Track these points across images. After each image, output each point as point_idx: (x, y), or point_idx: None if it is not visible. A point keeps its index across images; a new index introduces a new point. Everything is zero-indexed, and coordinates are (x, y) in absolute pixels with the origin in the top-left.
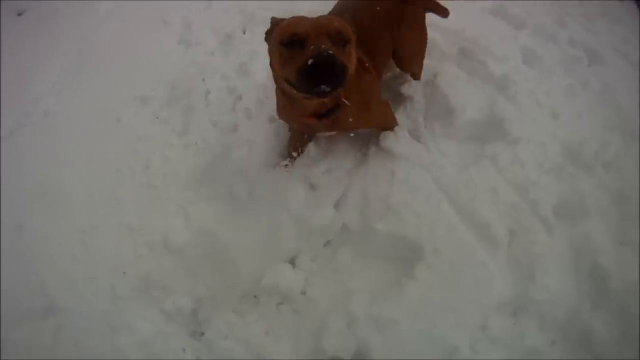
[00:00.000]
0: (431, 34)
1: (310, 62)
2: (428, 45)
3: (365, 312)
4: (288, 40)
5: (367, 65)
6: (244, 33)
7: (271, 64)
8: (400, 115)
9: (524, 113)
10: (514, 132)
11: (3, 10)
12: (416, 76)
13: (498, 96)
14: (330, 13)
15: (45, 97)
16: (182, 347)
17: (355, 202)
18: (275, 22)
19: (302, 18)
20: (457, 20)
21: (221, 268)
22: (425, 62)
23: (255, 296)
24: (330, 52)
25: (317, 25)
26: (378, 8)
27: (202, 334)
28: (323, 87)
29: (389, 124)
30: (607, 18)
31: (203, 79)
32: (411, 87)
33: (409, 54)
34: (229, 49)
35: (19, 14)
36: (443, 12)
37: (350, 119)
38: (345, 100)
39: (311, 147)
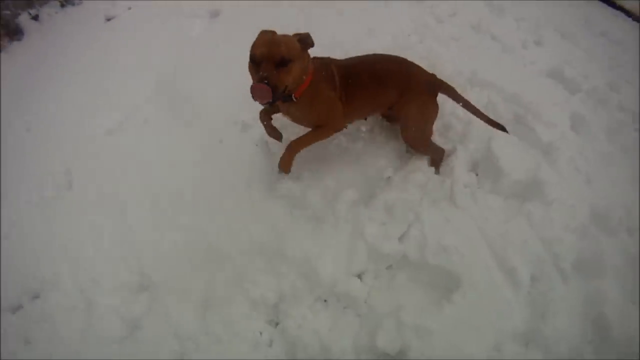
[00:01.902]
0: (491, 96)
1: (253, 86)
2: (486, 105)
3: (410, 321)
4: (251, 58)
5: (336, 87)
6: None
7: None
8: (460, 171)
9: (562, 178)
10: (550, 195)
11: (92, 15)
12: (424, 155)
13: (542, 161)
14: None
15: (145, 106)
16: (259, 331)
17: (416, 238)
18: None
19: (263, 39)
20: (515, 82)
21: (305, 273)
22: (482, 123)
23: (325, 300)
24: (272, 85)
25: (269, 53)
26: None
27: (278, 323)
28: (260, 100)
29: (326, 131)
30: None
31: None
32: (469, 149)
33: (404, 122)
34: None
35: (108, 20)
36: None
37: (297, 113)
38: (295, 98)
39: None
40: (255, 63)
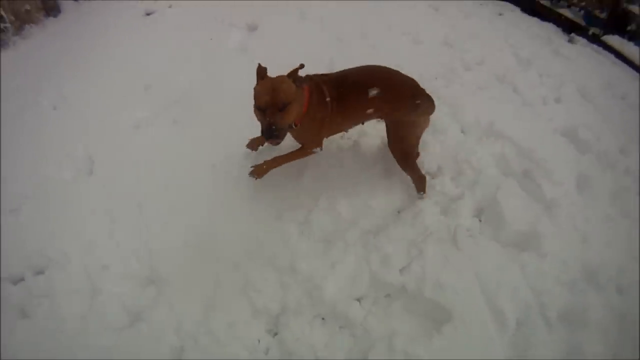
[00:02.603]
0: (505, 148)
1: (263, 131)
2: (498, 157)
3: (401, 348)
4: (256, 106)
5: (326, 105)
6: None
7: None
8: (465, 215)
9: (559, 233)
10: (546, 248)
11: (131, 7)
12: (410, 175)
13: (543, 215)
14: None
15: (174, 106)
16: (258, 338)
17: (416, 272)
18: (260, 71)
19: (265, 88)
20: (530, 137)
21: (310, 290)
22: (492, 173)
23: (323, 318)
24: (273, 127)
25: (272, 101)
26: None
27: (276, 333)
28: (270, 140)
29: (305, 145)
30: None
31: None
32: (476, 195)
33: (392, 131)
34: None
35: (147, 14)
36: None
37: (295, 134)
38: (295, 125)
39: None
40: (261, 110)
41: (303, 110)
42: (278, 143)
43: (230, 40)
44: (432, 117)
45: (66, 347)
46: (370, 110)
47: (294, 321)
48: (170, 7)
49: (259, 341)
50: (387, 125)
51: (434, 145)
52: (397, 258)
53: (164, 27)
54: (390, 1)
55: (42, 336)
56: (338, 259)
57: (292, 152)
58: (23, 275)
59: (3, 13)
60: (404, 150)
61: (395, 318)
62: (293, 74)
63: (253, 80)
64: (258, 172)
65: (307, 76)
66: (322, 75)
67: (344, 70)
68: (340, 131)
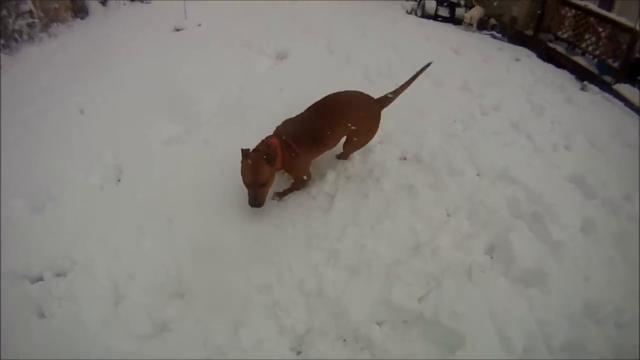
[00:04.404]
0: (516, 192)
1: (250, 201)
2: (510, 200)
3: None
4: (244, 183)
5: (297, 153)
6: None
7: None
8: (478, 252)
9: (563, 272)
10: (551, 285)
11: (160, 20)
12: (344, 158)
13: (549, 256)
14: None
15: (205, 126)
16: (283, 355)
17: (433, 301)
18: (243, 153)
19: (246, 169)
20: (539, 182)
21: (336, 312)
22: (504, 214)
23: (344, 340)
24: (256, 202)
25: (253, 181)
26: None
27: (300, 352)
28: (254, 207)
29: (297, 179)
30: None
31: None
32: (489, 235)
33: (355, 140)
34: None
35: (177, 30)
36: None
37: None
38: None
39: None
40: (246, 185)
41: (280, 165)
42: (260, 206)
43: (259, 66)
44: (452, 159)
45: (85, 350)
46: (336, 135)
47: (318, 341)
48: (199, 25)
49: (283, 358)
50: (351, 137)
51: (452, 186)
52: (416, 288)
53: (192, 45)
54: (414, 42)
55: (60, 337)
56: (362, 287)
57: (293, 184)
58: (42, 275)
59: (33, 8)
60: (357, 149)
61: (413, 342)
62: (268, 156)
63: (281, 108)
64: (279, 196)
65: (277, 131)
66: (288, 125)
67: (307, 111)
68: (322, 153)
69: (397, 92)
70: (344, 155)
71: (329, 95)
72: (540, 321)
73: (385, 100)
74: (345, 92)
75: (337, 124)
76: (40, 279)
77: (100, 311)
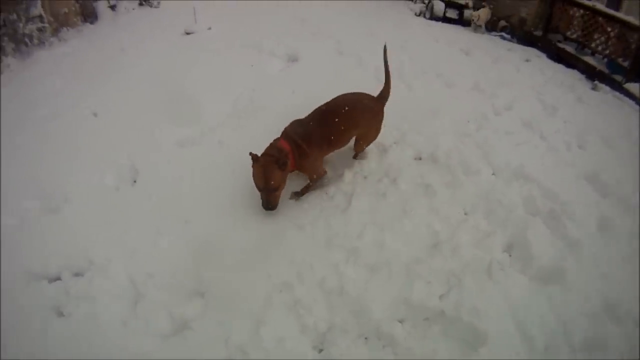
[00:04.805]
0: (532, 190)
1: (263, 205)
2: (526, 198)
3: None
4: (257, 187)
5: (307, 153)
6: None
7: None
8: (496, 250)
9: (582, 270)
10: (569, 282)
11: (170, 24)
12: (355, 157)
13: (567, 253)
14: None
15: (219, 128)
16: (305, 353)
17: (454, 298)
18: (253, 158)
19: (258, 174)
20: (554, 180)
21: (358, 310)
22: (521, 212)
23: (366, 338)
24: (269, 205)
25: (265, 186)
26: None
27: (321, 350)
28: (268, 210)
29: (312, 178)
30: None
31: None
32: (507, 233)
33: (364, 139)
34: None
35: (187, 33)
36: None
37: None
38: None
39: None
40: (259, 189)
41: (292, 166)
42: (274, 209)
43: (270, 68)
44: (467, 159)
45: (103, 349)
46: (347, 135)
47: (340, 339)
48: (209, 29)
49: (305, 356)
50: (358, 136)
51: (468, 185)
52: (437, 286)
53: (203, 49)
54: (424, 43)
55: (78, 337)
56: (382, 285)
57: (308, 185)
58: (60, 275)
59: (43, 13)
60: (367, 146)
61: (434, 340)
62: (279, 161)
63: (294, 109)
64: (296, 196)
65: (286, 132)
66: (297, 125)
67: (316, 112)
68: (332, 152)
69: (387, 85)
70: (358, 155)
71: (337, 97)
72: (561, 319)
73: (384, 97)
74: (352, 93)
75: (348, 125)
76: (58, 278)
77: (118, 310)
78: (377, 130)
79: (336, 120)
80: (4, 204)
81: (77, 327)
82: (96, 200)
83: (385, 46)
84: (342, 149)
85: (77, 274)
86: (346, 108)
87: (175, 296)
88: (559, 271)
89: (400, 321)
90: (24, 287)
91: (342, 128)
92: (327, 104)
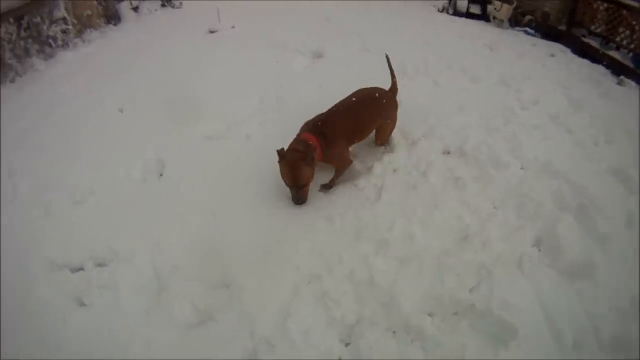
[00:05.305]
0: (560, 185)
1: (293, 200)
2: (555, 192)
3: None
4: (285, 183)
5: (334, 142)
6: None
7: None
8: (526, 244)
9: (611, 265)
10: (599, 277)
11: (193, 23)
12: (381, 145)
13: (597, 248)
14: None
15: (247, 122)
16: (331, 346)
17: (485, 291)
18: (280, 155)
19: (286, 171)
20: (582, 175)
21: (387, 302)
22: (550, 206)
23: (394, 332)
24: (300, 200)
25: (294, 182)
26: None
27: (348, 344)
28: (298, 205)
29: (339, 168)
30: None
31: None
32: (536, 227)
33: (384, 129)
34: None
35: (211, 32)
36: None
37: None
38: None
39: None
40: (288, 186)
41: (319, 157)
42: (303, 203)
43: (296, 64)
44: (495, 153)
45: (125, 339)
46: (371, 127)
47: (369, 331)
48: (233, 27)
49: (332, 349)
50: (379, 129)
51: (498, 179)
52: (467, 278)
53: (228, 46)
54: (448, 39)
55: (100, 326)
56: (413, 277)
57: (336, 174)
58: (83, 265)
59: (66, 15)
60: (389, 136)
61: (463, 334)
62: (306, 157)
63: (320, 104)
64: (325, 188)
65: (313, 125)
66: (322, 118)
67: (340, 104)
68: (355, 143)
69: (394, 82)
70: (384, 146)
71: (358, 91)
72: (590, 314)
73: (395, 90)
74: (370, 87)
75: (372, 116)
76: (81, 268)
77: (141, 301)
78: (395, 119)
79: (360, 111)
80: (30, 197)
81: (98, 317)
82: (122, 192)
83: (387, 55)
84: (367, 142)
85: (100, 264)
86: (368, 100)
87: (200, 287)
88: (589, 266)
89: (430, 315)
90: (46, 277)
91: (366, 118)
92: (348, 97)
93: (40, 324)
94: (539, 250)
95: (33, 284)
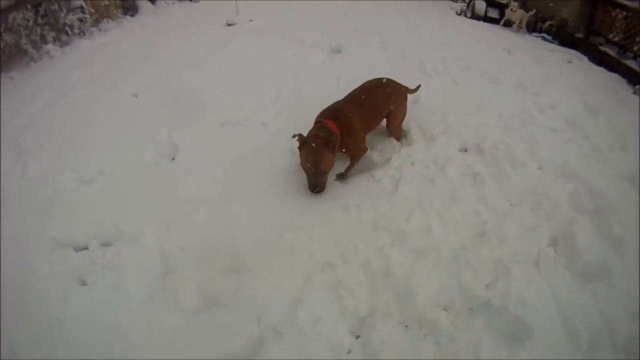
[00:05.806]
0: (577, 187)
1: (310, 188)
2: (573, 193)
3: (489, 357)
4: (304, 170)
5: (352, 129)
6: None
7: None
8: (542, 243)
9: (626, 267)
10: (614, 279)
11: (211, 16)
12: (397, 139)
13: (612, 251)
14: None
15: (263, 112)
16: (341, 337)
17: (501, 288)
18: (302, 140)
19: (307, 157)
20: (600, 180)
21: (402, 294)
22: (566, 207)
23: (406, 326)
24: (317, 189)
25: (314, 169)
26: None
27: (359, 336)
28: (315, 193)
29: (355, 155)
30: None
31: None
32: (553, 227)
33: (394, 120)
34: None
35: (229, 25)
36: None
37: (343, 150)
38: (342, 151)
39: None
40: (307, 173)
41: (339, 143)
42: (321, 192)
43: (314, 58)
44: (512, 152)
45: (127, 321)
46: (382, 113)
47: (381, 324)
48: (251, 21)
49: (342, 340)
50: (390, 119)
51: (515, 178)
52: (484, 274)
53: (246, 39)
54: (466, 41)
55: (101, 307)
56: (429, 270)
57: (352, 162)
58: (87, 244)
59: (84, 4)
60: (400, 126)
61: (477, 331)
62: (329, 145)
63: (337, 96)
64: (342, 178)
65: (331, 112)
66: (337, 106)
67: (352, 93)
68: (370, 130)
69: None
70: (399, 138)
71: (369, 81)
72: (605, 316)
73: (407, 89)
74: (382, 78)
75: (383, 102)
76: (85, 248)
77: (146, 282)
78: (405, 111)
79: (373, 98)
80: (39, 177)
81: (101, 297)
82: (132, 174)
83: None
84: (384, 134)
85: (105, 244)
86: (376, 85)
87: (207, 272)
88: (604, 268)
89: (445, 309)
90: (48, 255)
91: (378, 105)
92: (360, 86)
93: (40, 302)
94: (555, 251)
95: (34, 262)
